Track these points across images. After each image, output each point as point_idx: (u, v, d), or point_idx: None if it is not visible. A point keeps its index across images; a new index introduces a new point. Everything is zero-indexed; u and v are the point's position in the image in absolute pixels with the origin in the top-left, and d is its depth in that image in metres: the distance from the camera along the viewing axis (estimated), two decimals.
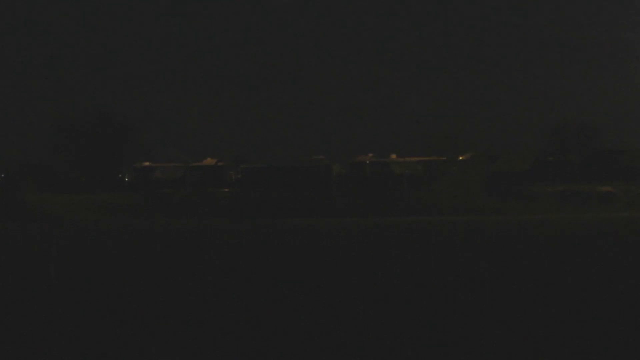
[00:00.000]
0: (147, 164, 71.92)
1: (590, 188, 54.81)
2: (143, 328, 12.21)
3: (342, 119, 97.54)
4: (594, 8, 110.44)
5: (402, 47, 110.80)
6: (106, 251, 26.53)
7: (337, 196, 61.99)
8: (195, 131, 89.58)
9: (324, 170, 69.90)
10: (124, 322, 12.70)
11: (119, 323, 12.64)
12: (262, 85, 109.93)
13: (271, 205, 60.80)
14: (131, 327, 12.28)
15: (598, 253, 23.13)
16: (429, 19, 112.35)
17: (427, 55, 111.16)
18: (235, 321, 12.64)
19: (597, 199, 53.60)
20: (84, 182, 72.26)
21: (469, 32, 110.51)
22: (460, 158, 67.39)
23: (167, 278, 18.33)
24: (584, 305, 13.53)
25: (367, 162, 70.16)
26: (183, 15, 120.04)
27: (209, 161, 71.59)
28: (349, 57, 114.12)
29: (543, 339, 10.99)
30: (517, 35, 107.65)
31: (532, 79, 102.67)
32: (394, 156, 70.47)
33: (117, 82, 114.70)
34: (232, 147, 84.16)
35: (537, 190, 55.37)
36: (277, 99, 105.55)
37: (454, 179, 58.67)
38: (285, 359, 10.22)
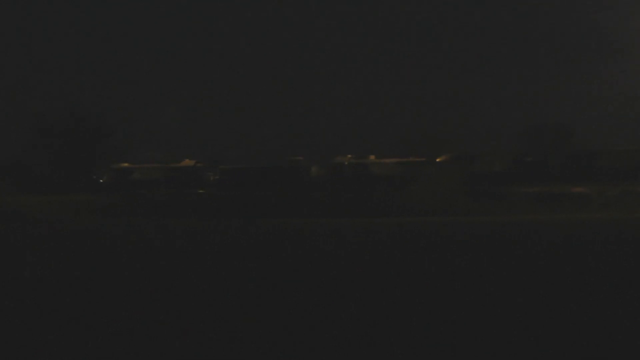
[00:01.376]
0: (125, 164, 71.82)
1: (565, 189, 55.18)
2: (108, 329, 12.27)
3: (321, 120, 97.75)
4: (569, 7, 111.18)
5: (380, 48, 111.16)
6: (80, 252, 26.52)
7: (315, 197, 62.13)
8: (172, 132, 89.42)
9: (302, 171, 70.04)
10: (89, 324, 12.76)
11: (84, 325, 12.70)
12: (240, 86, 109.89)
13: (247, 205, 60.89)
14: (94, 329, 12.34)
15: (564, 253, 23.36)
16: (408, 19, 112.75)
17: (405, 56, 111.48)
18: (201, 323, 12.72)
19: (571, 200, 53.97)
20: (58, 182, 71.87)
21: (446, 33, 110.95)
22: (439, 159, 67.69)
23: (139, 279, 18.38)
24: (546, 306, 13.69)
25: (346, 163, 70.31)
26: (162, 15, 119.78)
27: (187, 162, 71.58)
28: (327, 58, 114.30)
29: (507, 342, 11.14)
30: (492, 35, 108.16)
31: (508, 80, 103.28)
32: (372, 157, 70.68)
33: (94, 82, 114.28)
34: (211, 148, 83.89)
35: (511, 191, 55.70)
36: (255, 100, 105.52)
37: (430, 180, 58.94)
38: None
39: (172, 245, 29.94)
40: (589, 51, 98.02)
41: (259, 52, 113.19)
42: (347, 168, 69.75)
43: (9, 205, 59.79)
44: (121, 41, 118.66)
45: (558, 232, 33.58)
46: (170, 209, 60.22)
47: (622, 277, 17.63)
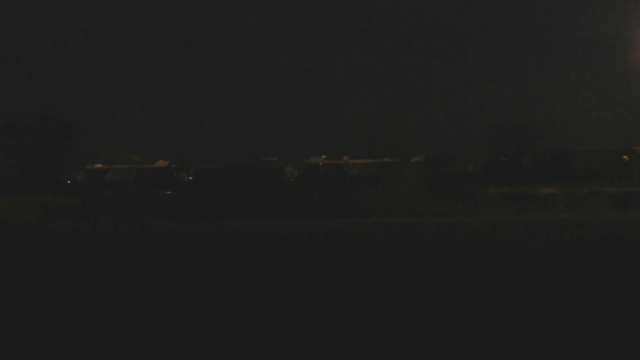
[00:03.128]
0: (99, 165, 71.61)
1: (533, 190, 55.34)
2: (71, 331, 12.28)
3: (296, 120, 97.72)
4: (537, 9, 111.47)
5: (353, 49, 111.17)
6: (45, 254, 26.50)
7: (286, 198, 62.18)
8: (144, 133, 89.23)
9: (276, 172, 70.08)
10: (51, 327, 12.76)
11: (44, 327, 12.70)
12: (215, 86, 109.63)
13: (219, 206, 60.87)
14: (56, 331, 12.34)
15: (525, 254, 23.49)
16: (380, 21, 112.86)
17: (379, 57, 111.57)
18: (155, 324, 12.74)
19: (539, 200, 54.14)
20: (25, 183, 71.40)
21: (417, 35, 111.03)
22: (414, 160, 67.83)
23: (104, 281, 18.39)
24: (500, 304, 13.77)
25: (320, 163, 70.38)
26: (135, 15, 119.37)
27: (162, 163, 71.45)
28: (301, 59, 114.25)
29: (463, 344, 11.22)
30: (460, 36, 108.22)
31: (478, 80, 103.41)
32: (346, 158, 70.79)
33: (63, 83, 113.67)
34: (185, 149, 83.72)
35: (480, 192, 55.81)
36: (230, 101, 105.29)
37: (398, 181, 59.06)
38: None
39: (128, 247, 29.94)
40: (556, 52, 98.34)
41: (232, 53, 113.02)
42: (321, 169, 69.84)
43: None
44: (92, 41, 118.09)
45: (523, 232, 33.73)
46: (137, 211, 60.11)
47: (587, 275, 17.76)
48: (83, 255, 25.57)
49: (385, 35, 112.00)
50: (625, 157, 63.46)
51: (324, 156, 71.37)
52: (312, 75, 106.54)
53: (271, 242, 30.95)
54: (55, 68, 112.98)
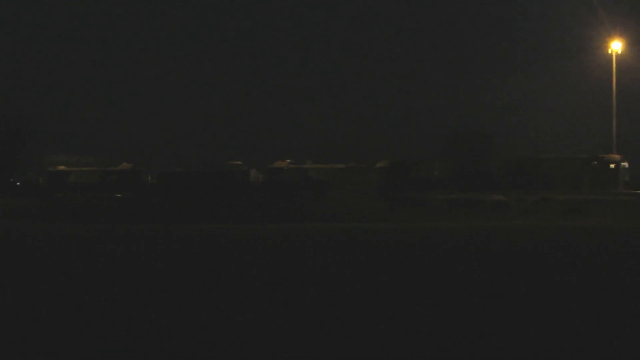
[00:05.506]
0: (61, 167, 71.60)
1: (483, 196, 55.49)
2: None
3: (261, 125, 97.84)
4: (492, 14, 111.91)
5: (317, 55, 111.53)
6: None
7: (246, 202, 62.20)
8: (107, 135, 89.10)
9: (241, 176, 70.16)
10: None
11: None
12: (180, 90, 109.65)
13: (177, 210, 60.88)
14: None
15: (462, 261, 23.54)
16: (343, 28, 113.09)
17: (342, 64, 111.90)
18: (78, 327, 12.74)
19: (488, 207, 54.28)
20: None
21: (378, 42, 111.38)
22: (379, 165, 67.97)
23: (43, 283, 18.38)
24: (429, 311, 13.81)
25: (285, 168, 70.50)
26: (97, 17, 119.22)
27: (125, 166, 71.48)
28: (268, 65, 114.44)
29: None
30: (421, 43, 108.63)
31: (436, 87, 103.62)
32: (309, 162, 70.95)
33: (17, 85, 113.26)
34: (150, 152, 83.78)
35: (430, 198, 55.95)
36: (195, 105, 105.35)
37: (358, 186, 59.20)
38: None
39: (63, 249, 29.93)
40: (513, 60, 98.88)
41: (199, 57, 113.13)
42: (285, 173, 69.95)
43: None
44: (51, 44, 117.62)
45: (465, 238, 33.78)
46: (90, 213, 60.14)
47: (532, 281, 17.86)
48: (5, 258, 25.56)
49: (349, 43, 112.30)
50: (595, 162, 63.78)
51: (288, 160, 71.53)
52: (278, 80, 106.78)
53: (208, 246, 30.96)
54: (9, 70, 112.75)
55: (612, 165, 63.06)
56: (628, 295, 16.13)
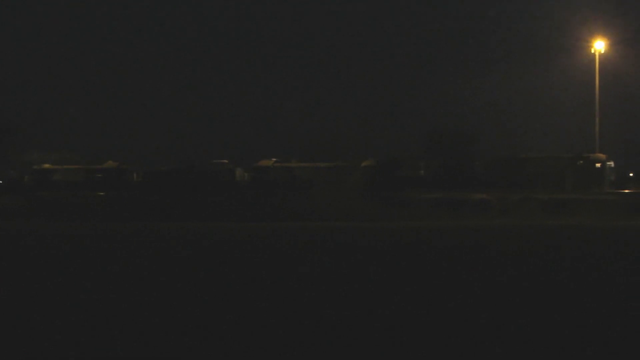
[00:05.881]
0: (47, 166, 71.45)
1: (465, 196, 55.59)
2: None
3: (247, 123, 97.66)
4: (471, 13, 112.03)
5: (303, 54, 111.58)
6: None
7: (231, 200, 62.19)
8: (92, 133, 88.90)
9: (227, 174, 70.17)
10: None
11: None
12: (166, 88, 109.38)
13: (162, 208, 60.86)
14: None
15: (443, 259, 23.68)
16: (324, 26, 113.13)
17: (325, 63, 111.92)
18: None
19: (471, 206, 54.37)
20: None
21: (359, 41, 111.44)
22: (364, 164, 68.01)
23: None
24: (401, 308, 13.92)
25: (270, 166, 70.51)
26: (79, 14, 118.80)
27: (110, 164, 71.37)
28: (253, 62, 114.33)
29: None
30: (402, 42, 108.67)
31: (417, 87, 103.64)
32: (295, 161, 70.98)
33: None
34: (136, 150, 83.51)
35: (413, 197, 56.02)
36: (181, 103, 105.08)
37: (342, 185, 59.24)
38: None
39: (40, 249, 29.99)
40: (494, 58, 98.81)
41: (183, 54, 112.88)
42: (271, 171, 69.96)
43: None
44: (34, 41, 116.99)
45: (448, 238, 33.94)
46: (74, 211, 60.05)
47: (513, 280, 18.00)
48: None
49: (334, 42, 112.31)
50: (581, 162, 64.03)
51: (273, 159, 71.55)
52: (264, 79, 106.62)
53: (188, 245, 31.07)
54: None
55: (598, 165, 63.33)
56: (581, 293, 16.28)
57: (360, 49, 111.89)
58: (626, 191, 59.60)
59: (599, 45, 65.33)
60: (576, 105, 72.63)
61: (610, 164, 64.31)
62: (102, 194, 65.53)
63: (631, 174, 65.13)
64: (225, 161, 71.98)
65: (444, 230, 40.02)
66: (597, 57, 65.32)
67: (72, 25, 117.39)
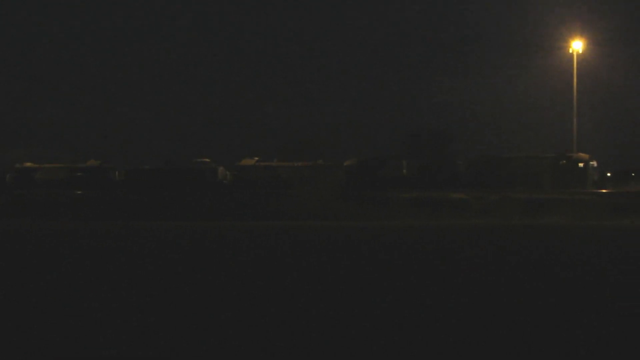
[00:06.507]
0: (28, 164, 71.43)
1: (443, 195, 55.83)
2: None
3: (229, 122, 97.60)
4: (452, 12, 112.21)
5: (282, 51, 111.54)
6: None
7: (212, 199, 62.30)
8: (75, 131, 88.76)
9: (209, 173, 70.27)
10: None
11: None
12: (147, 87, 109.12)
13: (142, 207, 60.92)
14: None
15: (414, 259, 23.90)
16: (306, 25, 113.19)
17: (305, 59, 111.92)
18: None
19: (450, 205, 54.60)
20: None
21: (339, 41, 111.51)
22: (346, 163, 68.19)
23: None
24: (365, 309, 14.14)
25: (253, 165, 70.64)
26: (62, 11, 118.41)
27: (93, 162, 71.39)
28: (236, 61, 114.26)
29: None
30: (381, 41, 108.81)
31: (396, 86, 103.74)
32: (277, 160, 71.15)
33: None
34: (118, 149, 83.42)
35: (391, 197, 56.24)
36: (163, 101, 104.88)
37: (313, 185, 59.41)
38: None
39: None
40: (473, 58, 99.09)
41: (164, 52, 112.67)
42: (253, 170, 70.08)
43: None
44: (13, 39, 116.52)
45: (425, 236, 34.18)
46: (53, 210, 60.10)
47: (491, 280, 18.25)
48: None
49: (316, 41, 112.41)
50: (564, 161, 64.31)
51: (256, 158, 71.69)
52: (246, 77, 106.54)
53: (163, 244, 31.25)
54: None
55: (581, 165, 63.62)
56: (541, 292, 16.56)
57: (342, 49, 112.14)
58: (604, 191, 59.92)
59: (577, 45, 65.67)
60: (555, 104, 73.01)
61: (593, 164, 64.57)
62: (84, 192, 65.54)
63: (609, 174, 65.49)
64: (208, 160, 72.09)
65: (416, 230, 40.31)
66: (575, 57, 65.68)
67: (52, 23, 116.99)
